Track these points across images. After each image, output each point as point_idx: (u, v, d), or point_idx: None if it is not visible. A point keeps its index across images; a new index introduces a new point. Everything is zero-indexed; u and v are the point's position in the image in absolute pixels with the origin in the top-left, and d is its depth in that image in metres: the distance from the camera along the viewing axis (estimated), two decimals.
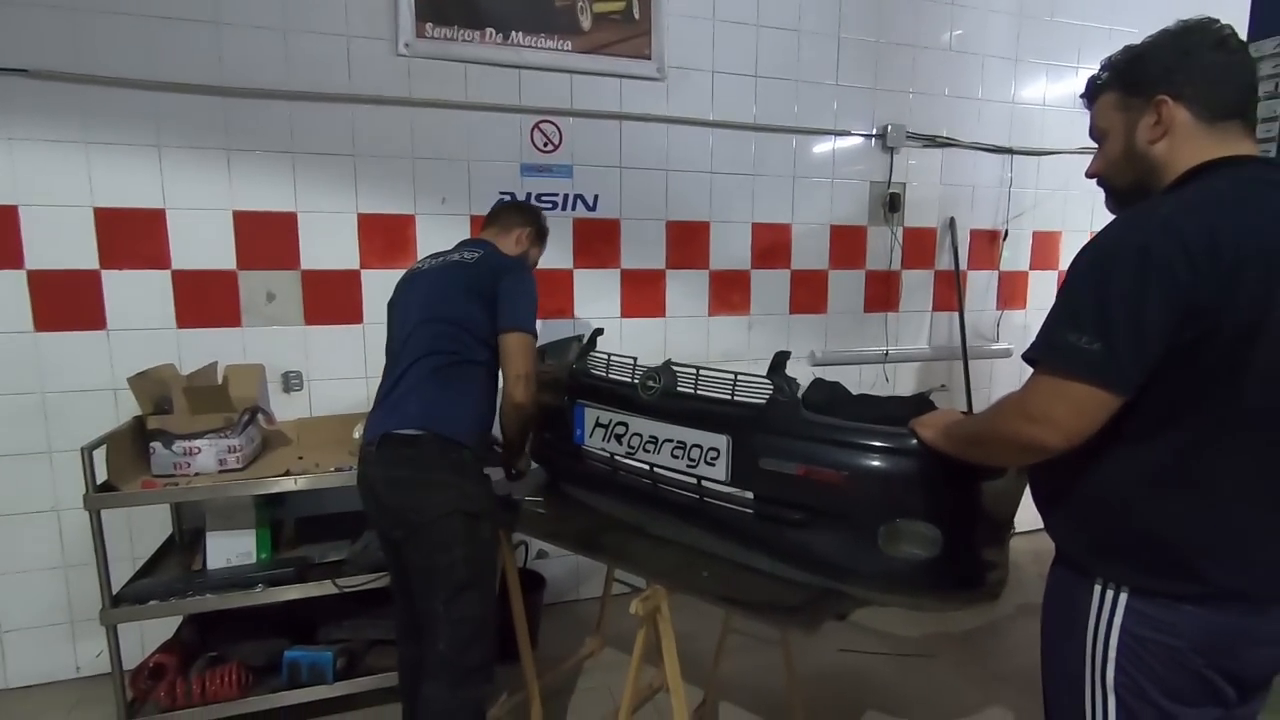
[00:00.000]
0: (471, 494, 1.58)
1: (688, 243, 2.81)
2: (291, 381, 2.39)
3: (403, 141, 2.41)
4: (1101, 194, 1.11)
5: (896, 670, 2.40)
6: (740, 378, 1.48)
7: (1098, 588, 1.00)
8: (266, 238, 2.31)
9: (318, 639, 2.13)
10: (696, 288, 2.85)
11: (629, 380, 1.66)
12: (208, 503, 1.98)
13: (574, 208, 2.63)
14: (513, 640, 1.95)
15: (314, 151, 2.32)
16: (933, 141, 3.08)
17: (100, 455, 1.84)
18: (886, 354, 3.17)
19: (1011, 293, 3.39)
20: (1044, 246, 3.42)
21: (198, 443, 1.95)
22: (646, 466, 1.61)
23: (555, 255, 2.62)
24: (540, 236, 1.94)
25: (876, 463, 1.28)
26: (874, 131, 3.00)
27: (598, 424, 1.71)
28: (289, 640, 2.10)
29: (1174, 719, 0.96)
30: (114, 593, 1.87)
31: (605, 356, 1.76)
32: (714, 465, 1.48)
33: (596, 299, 2.71)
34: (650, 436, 1.59)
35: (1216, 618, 0.93)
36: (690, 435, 1.52)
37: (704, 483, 1.50)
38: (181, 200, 2.22)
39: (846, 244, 3.04)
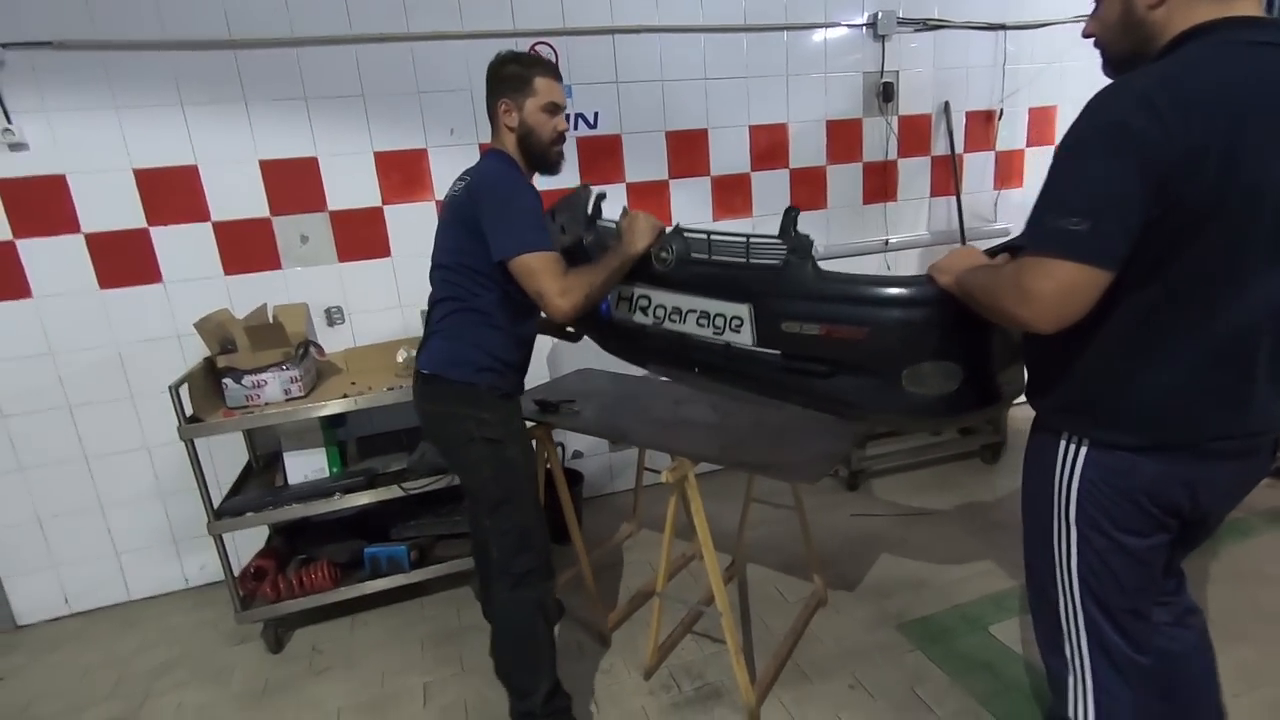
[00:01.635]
0: (489, 421, 1.62)
1: (688, 151, 2.90)
2: (334, 315, 2.60)
3: (406, 77, 2.50)
4: (1098, 61, 1.11)
5: (903, 528, 2.68)
6: (753, 240, 1.48)
7: (1063, 443, 1.12)
8: (293, 183, 2.46)
9: (391, 538, 2.43)
10: (700, 195, 2.97)
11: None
12: (281, 427, 2.24)
13: (576, 127, 2.72)
14: (564, 529, 2.22)
15: (325, 95, 2.43)
16: (924, 25, 3.08)
17: (183, 394, 2.08)
18: (886, 243, 3.29)
19: (1008, 172, 3.46)
20: (1040, 122, 3.45)
21: (264, 376, 2.18)
22: (675, 335, 1.62)
23: (564, 176, 2.74)
24: (518, 81, 1.61)
25: (895, 315, 1.32)
26: (865, 20, 3.01)
27: (620, 297, 1.75)
28: (366, 541, 2.41)
29: (1123, 546, 1.11)
30: (215, 508, 2.16)
31: (614, 225, 1.72)
32: (739, 332, 1.52)
33: (605, 214, 2.83)
34: (674, 307, 1.62)
35: (1160, 465, 1.06)
36: (712, 305, 1.54)
37: (732, 347, 1.54)
38: (211, 155, 2.37)
39: (842, 138, 3.11)
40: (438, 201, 2.63)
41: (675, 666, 2.03)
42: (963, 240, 3.31)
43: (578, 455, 3.02)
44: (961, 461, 3.10)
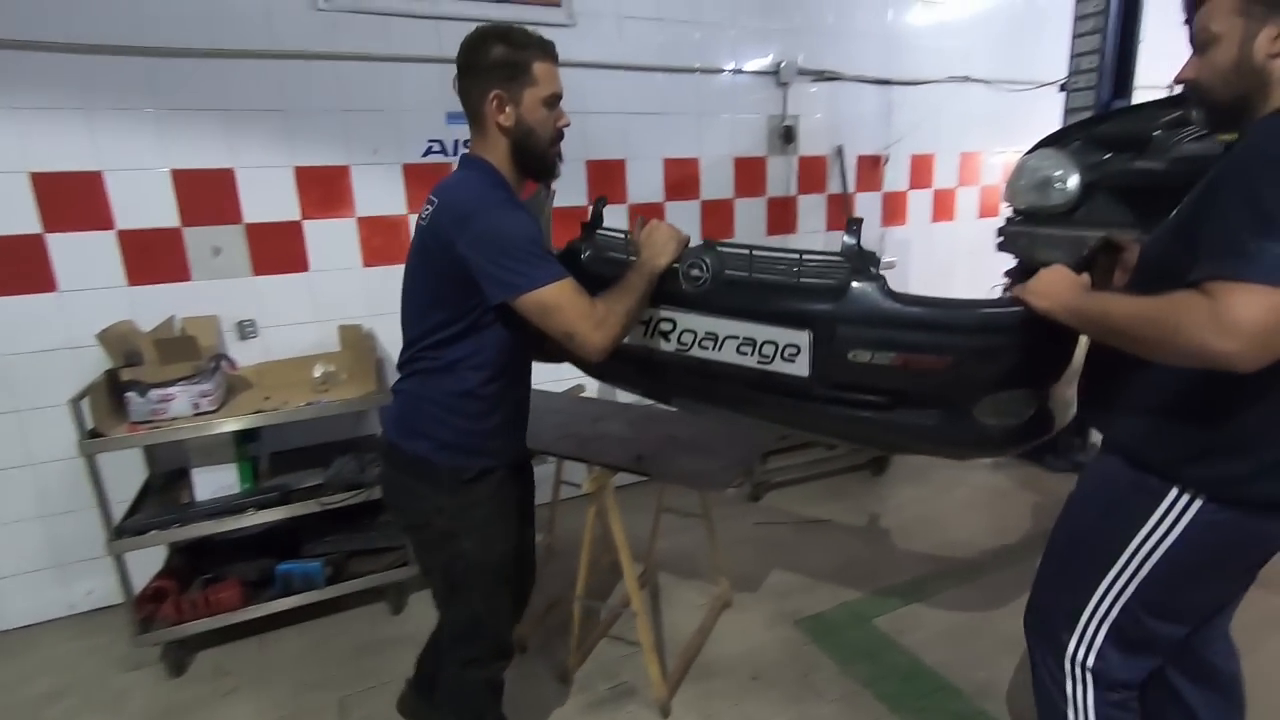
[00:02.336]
0: (446, 509, 1.38)
1: (607, 179, 3.06)
2: (246, 329, 2.56)
3: (331, 95, 2.53)
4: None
5: (800, 535, 2.91)
6: (806, 257, 1.32)
7: (1173, 492, 1.03)
8: (207, 194, 2.42)
9: (303, 555, 2.40)
10: (618, 221, 3.10)
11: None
12: (189, 442, 2.18)
13: None
14: None
15: (245, 109, 2.42)
16: (820, 76, 3.41)
17: (83, 408, 2.00)
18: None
19: (894, 210, 3.84)
20: (920, 168, 3.86)
21: (171, 390, 2.13)
22: (701, 362, 1.42)
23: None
24: (515, 69, 1.30)
25: (983, 342, 1.22)
26: (769, 68, 3.29)
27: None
28: (277, 559, 2.37)
29: (1204, 587, 1.08)
30: (116, 526, 2.08)
31: (622, 236, 1.50)
32: (793, 361, 1.34)
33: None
34: (707, 333, 1.39)
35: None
36: (760, 331, 1.34)
37: (773, 376, 1.36)
38: (116, 161, 2.30)
39: (749, 174, 3.37)
40: (361, 219, 2.66)
41: (592, 669, 2.14)
42: None
43: None
44: (852, 474, 3.39)
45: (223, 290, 2.50)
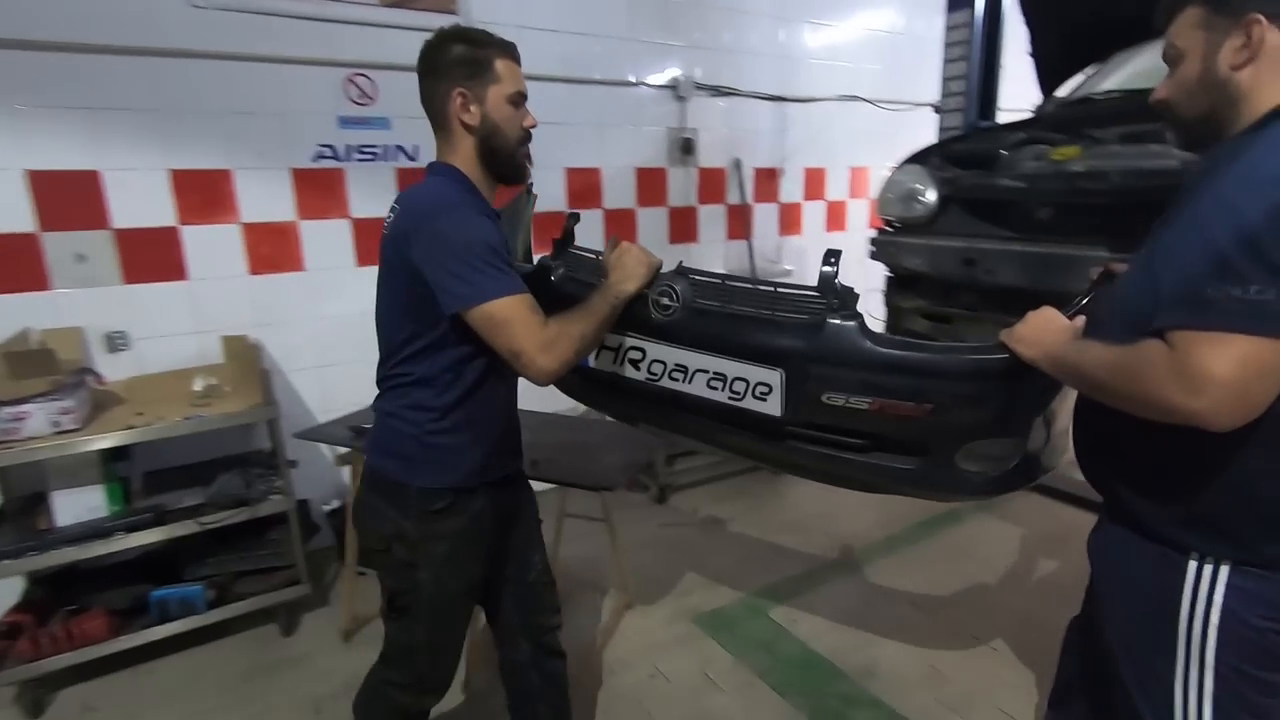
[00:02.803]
0: (408, 536, 1.31)
1: (510, 188, 3.05)
2: (116, 341, 2.40)
3: (212, 96, 2.42)
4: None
5: (703, 535, 3.00)
6: (782, 291, 1.26)
7: (1193, 564, 0.91)
8: (69, 197, 2.26)
9: (184, 579, 2.27)
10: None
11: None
12: (50, 463, 2.03)
13: (394, 158, 2.78)
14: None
15: (114, 107, 2.28)
16: (717, 91, 3.54)
17: None
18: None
19: (790, 221, 4.03)
20: (813, 181, 4.07)
21: (26, 407, 1.98)
22: (671, 394, 1.35)
23: (383, 203, 2.78)
24: (476, 66, 1.25)
25: (967, 390, 1.16)
26: (667, 83, 3.39)
27: (604, 346, 1.39)
28: (153, 584, 2.23)
29: (1275, 687, 0.91)
30: None
31: (594, 256, 1.42)
32: (764, 400, 1.27)
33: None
34: (677, 364, 1.33)
35: None
36: (731, 367, 1.28)
37: (746, 414, 1.30)
38: None
39: (650, 184, 3.46)
40: (246, 225, 2.55)
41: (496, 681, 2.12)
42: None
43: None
44: (752, 473, 3.51)
45: (89, 300, 2.34)
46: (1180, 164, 1.59)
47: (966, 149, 2.12)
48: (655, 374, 1.36)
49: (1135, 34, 2.39)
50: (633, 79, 3.29)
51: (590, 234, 3.31)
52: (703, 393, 1.32)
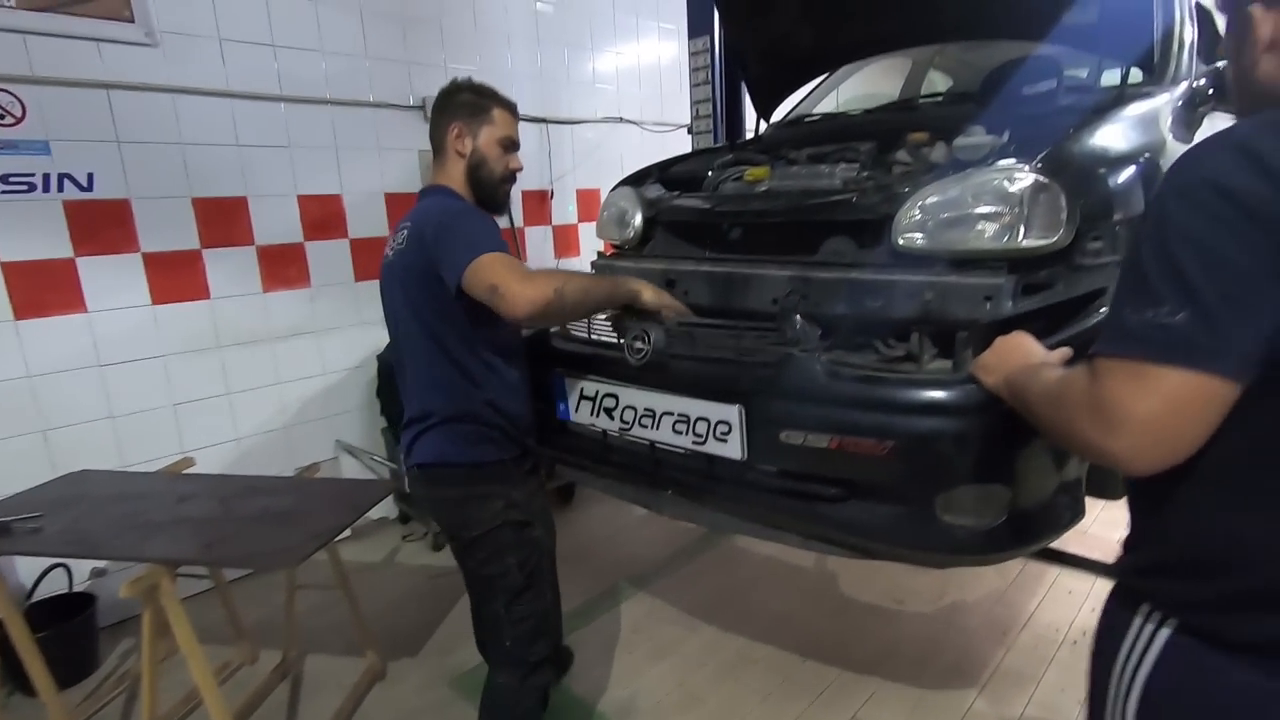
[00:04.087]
0: (518, 501, 1.50)
1: (224, 219, 2.71)
2: None
3: None
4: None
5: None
6: (745, 331, 1.28)
7: (1138, 619, 0.79)
8: None
9: None
10: (244, 265, 2.78)
11: (615, 340, 1.45)
12: None
13: (61, 189, 2.34)
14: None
15: None
16: None
17: None
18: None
19: (565, 243, 3.98)
20: (587, 201, 4.06)
21: None
22: (646, 443, 1.38)
23: (48, 244, 2.34)
24: (475, 109, 1.50)
25: (929, 426, 1.08)
26: (413, 103, 3.20)
27: (583, 396, 1.50)
28: None
29: None
30: None
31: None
32: (725, 441, 1.26)
33: (115, 289, 2.48)
34: (646, 409, 1.37)
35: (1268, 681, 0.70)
36: (693, 406, 1.29)
37: (716, 461, 1.27)
38: None
39: (404, 210, 3.20)
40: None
41: None
42: None
43: (98, 574, 2.52)
44: None
45: None
46: (842, 183, 1.69)
47: (682, 171, 2.15)
48: (627, 422, 1.41)
49: (843, 55, 2.60)
50: (372, 99, 3.06)
51: (336, 266, 3.04)
52: (670, 439, 1.35)
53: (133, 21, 2.43)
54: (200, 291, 2.68)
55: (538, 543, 1.55)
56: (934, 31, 2.30)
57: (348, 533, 3.15)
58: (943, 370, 1.18)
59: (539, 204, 3.80)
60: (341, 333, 3.09)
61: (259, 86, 2.72)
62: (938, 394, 1.09)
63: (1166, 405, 0.66)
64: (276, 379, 2.91)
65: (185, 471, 2.20)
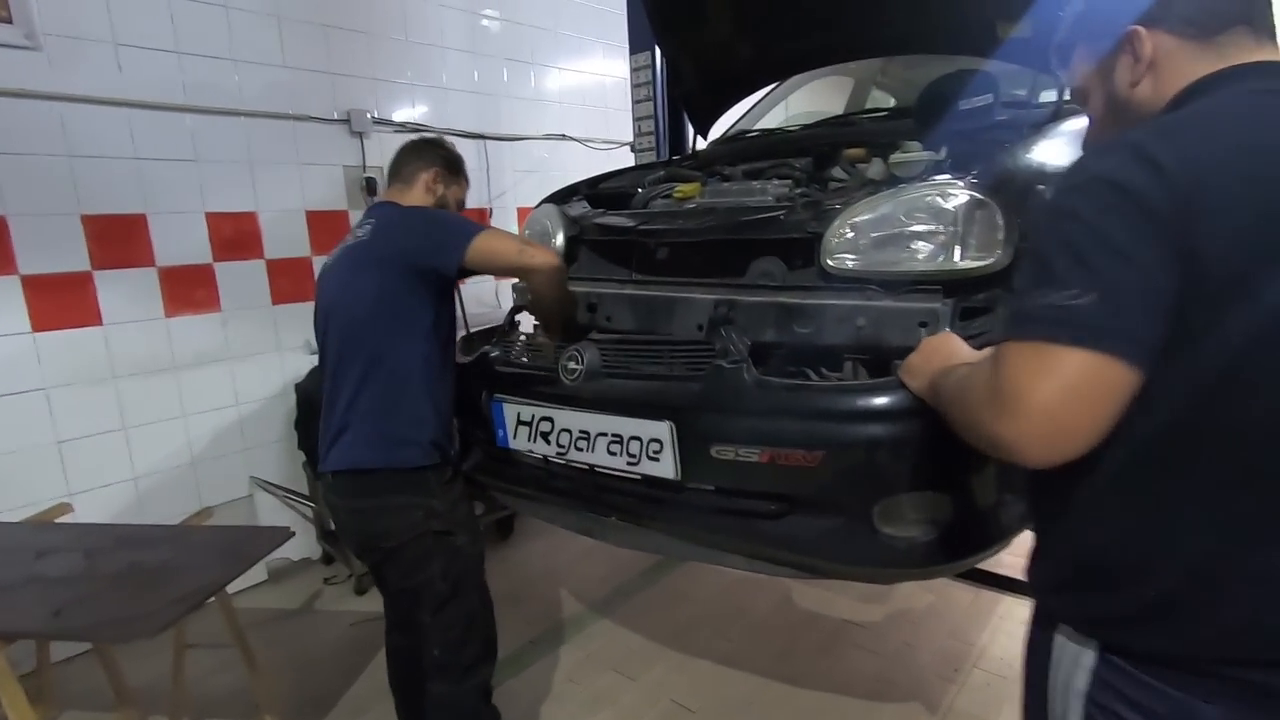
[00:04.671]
0: (439, 510, 1.49)
1: (119, 238, 2.48)
2: None
3: None
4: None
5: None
6: (675, 345, 1.27)
7: (1058, 638, 0.76)
8: None
9: None
10: (143, 287, 2.55)
11: (551, 364, 1.43)
12: None
13: None
14: None
15: None
16: (402, 128, 3.24)
17: None
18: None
19: None
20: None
21: None
22: (587, 467, 1.35)
23: None
24: (452, 169, 1.70)
25: (858, 433, 1.05)
26: (337, 117, 3.03)
27: (520, 421, 1.48)
28: None
29: None
30: None
31: (523, 339, 1.54)
32: (658, 460, 1.22)
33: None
34: (581, 431, 1.35)
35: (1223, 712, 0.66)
36: (626, 426, 1.26)
37: (654, 482, 1.23)
38: None
39: (328, 229, 3.04)
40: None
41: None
42: (465, 326, 3.50)
43: None
44: None
45: None
46: (774, 200, 1.59)
47: (612, 187, 2.03)
48: (564, 446, 1.38)
49: (782, 69, 2.52)
50: (291, 111, 2.88)
51: (251, 288, 2.83)
52: (606, 461, 1.32)
53: (10, 22, 2.21)
54: (91, 317, 2.44)
55: (460, 551, 1.53)
56: (874, 46, 2.24)
57: (264, 575, 2.93)
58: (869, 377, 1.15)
59: (478, 221, 3.64)
60: (257, 360, 2.87)
61: (160, 95, 2.52)
62: (863, 400, 1.07)
63: (1065, 387, 0.64)
64: (182, 411, 2.67)
65: (58, 520, 1.96)
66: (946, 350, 1.00)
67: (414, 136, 1.81)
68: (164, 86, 2.53)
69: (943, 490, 1.07)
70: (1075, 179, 0.70)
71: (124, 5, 2.42)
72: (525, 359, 1.56)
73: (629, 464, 1.29)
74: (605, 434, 1.32)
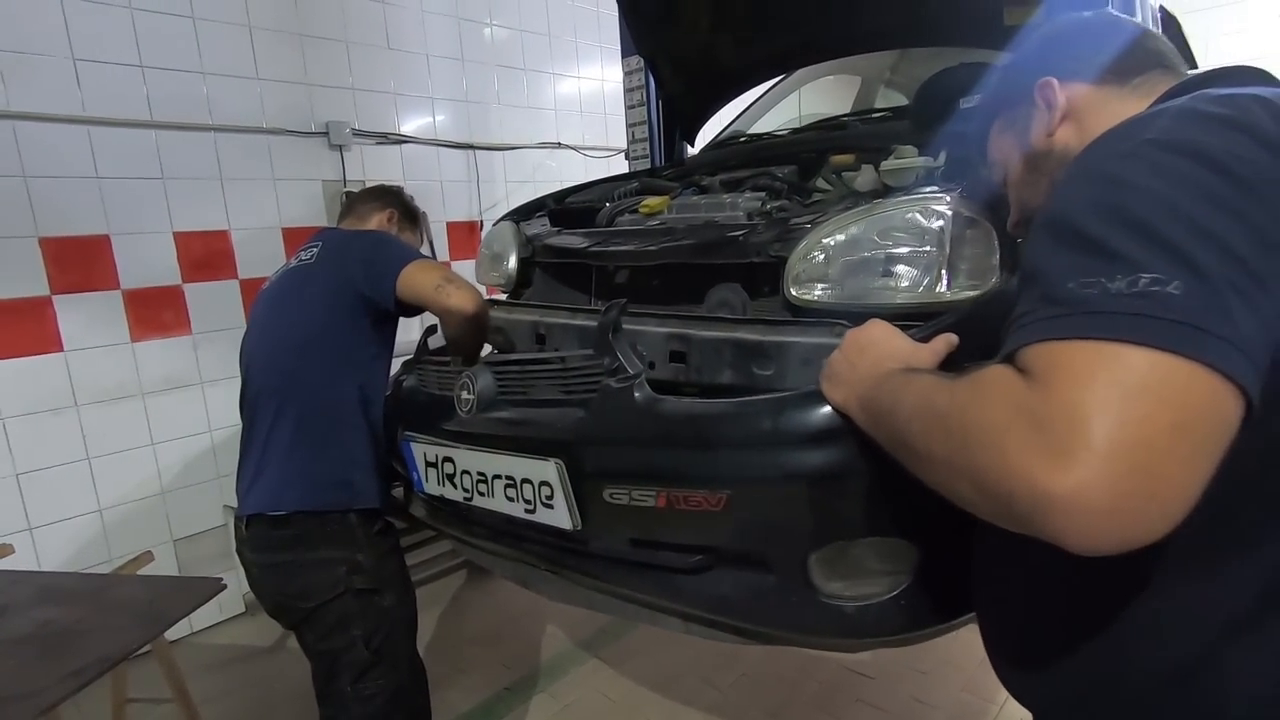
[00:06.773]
0: (364, 566, 1.35)
1: (80, 261, 2.39)
2: None
3: None
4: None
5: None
6: (569, 362, 1.05)
7: None
8: None
9: None
10: (107, 311, 2.45)
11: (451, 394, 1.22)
12: None
13: None
14: None
15: None
16: (385, 139, 3.12)
17: None
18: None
19: None
20: None
21: None
22: (494, 517, 1.15)
23: None
24: (410, 217, 1.70)
25: (764, 466, 0.81)
26: (315, 129, 2.91)
27: (427, 462, 1.31)
28: None
29: None
30: None
31: (436, 367, 1.39)
32: (552, 506, 1.01)
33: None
34: (479, 473, 1.15)
35: None
36: (517, 466, 1.05)
37: (564, 534, 1.03)
38: None
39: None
40: None
41: None
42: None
43: None
44: (446, 578, 3.02)
45: None
46: (745, 216, 1.39)
47: (578, 201, 1.86)
48: (469, 490, 1.19)
49: (771, 67, 2.32)
50: (265, 124, 2.77)
51: (223, 309, 2.72)
52: (505, 508, 1.11)
53: None
54: (50, 343, 2.34)
55: (388, 613, 1.39)
56: (870, 39, 2.03)
57: (241, 608, 2.81)
58: (775, 389, 0.92)
59: (467, 235, 3.50)
60: (232, 384, 2.72)
61: (123, 111, 2.42)
62: (769, 421, 0.82)
63: (1175, 423, 0.42)
64: (150, 439, 2.57)
65: None
66: (879, 350, 0.74)
67: (372, 184, 1.84)
68: (127, 102, 2.43)
69: (903, 534, 0.81)
70: (1122, 146, 0.54)
71: (82, 19, 2.32)
72: (434, 390, 1.35)
73: (526, 511, 1.08)
74: (500, 476, 1.12)
